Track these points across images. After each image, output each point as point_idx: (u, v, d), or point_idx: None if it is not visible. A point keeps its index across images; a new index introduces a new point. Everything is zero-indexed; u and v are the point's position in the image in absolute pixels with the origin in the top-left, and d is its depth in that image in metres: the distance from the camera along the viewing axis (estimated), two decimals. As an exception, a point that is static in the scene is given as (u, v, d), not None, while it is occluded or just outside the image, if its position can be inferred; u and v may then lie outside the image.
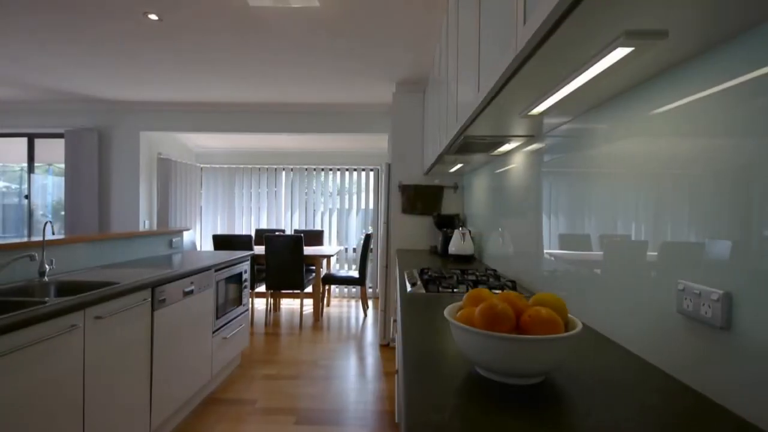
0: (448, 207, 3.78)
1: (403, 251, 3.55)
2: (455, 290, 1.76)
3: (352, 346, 3.83)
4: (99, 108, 4.77)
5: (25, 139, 4.99)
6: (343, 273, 5.50)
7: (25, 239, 2.02)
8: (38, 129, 4.89)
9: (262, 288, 5.04)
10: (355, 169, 6.24)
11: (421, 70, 3.53)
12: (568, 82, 0.96)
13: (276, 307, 5.30)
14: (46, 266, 1.96)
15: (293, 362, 3.36)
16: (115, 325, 1.75)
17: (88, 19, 2.62)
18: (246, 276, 3.32)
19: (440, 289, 1.76)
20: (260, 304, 5.50)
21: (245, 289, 3.31)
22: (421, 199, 3.75)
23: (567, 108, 1.22)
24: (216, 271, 2.74)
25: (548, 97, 1.10)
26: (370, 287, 6.02)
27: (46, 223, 1.98)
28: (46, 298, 1.52)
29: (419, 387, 0.80)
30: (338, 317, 5.01)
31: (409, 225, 3.80)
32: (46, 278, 1.95)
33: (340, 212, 6.30)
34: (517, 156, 2.06)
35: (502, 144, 1.91)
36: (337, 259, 6.21)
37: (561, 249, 1.48)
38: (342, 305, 5.72)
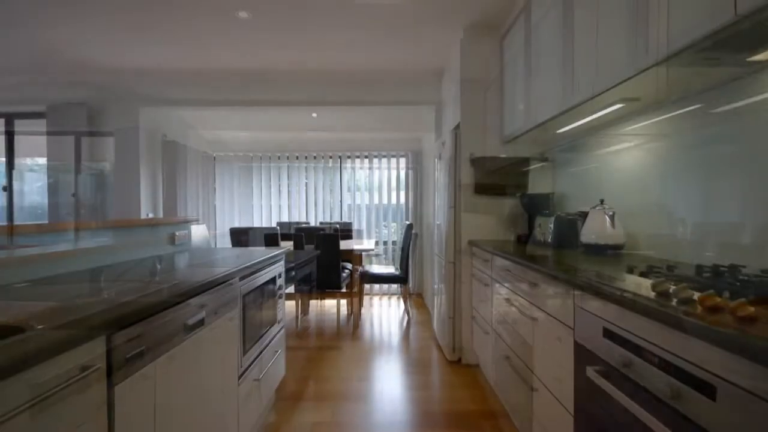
0: (534, 185, 2.92)
1: (479, 242, 2.70)
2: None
3: (415, 365, 3.01)
4: (90, 80, 3.94)
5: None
6: (380, 270, 4.70)
7: None
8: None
9: (289, 289, 4.23)
10: (384, 156, 5.48)
11: (499, 6, 2.66)
12: None
13: (305, 309, 4.51)
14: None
15: (346, 396, 2.50)
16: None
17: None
18: (280, 281, 2.49)
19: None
20: (287, 307, 4.71)
21: (280, 300, 2.49)
22: (500, 175, 2.89)
23: None
24: (241, 279, 1.87)
25: None
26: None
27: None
28: None
29: None
30: (379, 321, 4.21)
31: (484, 208, 2.95)
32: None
33: (370, 202, 5.52)
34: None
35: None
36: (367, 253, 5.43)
37: None
38: (373, 304, 4.94)
